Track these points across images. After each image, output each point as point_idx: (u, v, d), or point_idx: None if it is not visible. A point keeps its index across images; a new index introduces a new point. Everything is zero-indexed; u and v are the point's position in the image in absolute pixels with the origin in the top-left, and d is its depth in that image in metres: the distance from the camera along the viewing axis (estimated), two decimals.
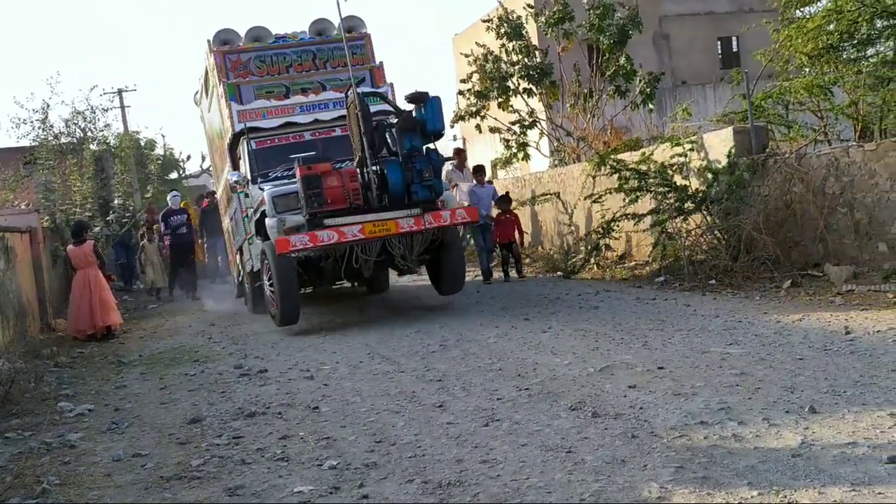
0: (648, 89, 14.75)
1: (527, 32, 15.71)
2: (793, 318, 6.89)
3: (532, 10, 15.90)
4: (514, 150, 15.89)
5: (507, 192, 12.85)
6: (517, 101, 15.81)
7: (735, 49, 29.13)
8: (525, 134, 15.79)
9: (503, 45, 15.59)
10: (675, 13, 28.79)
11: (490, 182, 13.96)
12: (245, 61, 11.13)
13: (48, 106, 23.40)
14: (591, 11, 14.87)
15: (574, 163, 14.23)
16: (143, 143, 29.64)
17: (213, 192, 16.51)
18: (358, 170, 8.96)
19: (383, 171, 8.94)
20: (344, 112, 9.59)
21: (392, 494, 3.89)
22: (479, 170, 12.63)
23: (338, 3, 9.73)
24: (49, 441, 5.46)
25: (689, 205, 9.69)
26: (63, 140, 23.73)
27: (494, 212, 12.21)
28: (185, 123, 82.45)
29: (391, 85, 10.99)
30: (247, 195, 10.39)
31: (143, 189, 27.12)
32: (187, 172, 32.79)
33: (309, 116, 10.65)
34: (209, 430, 5.37)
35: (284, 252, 8.64)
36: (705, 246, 9.71)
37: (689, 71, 28.58)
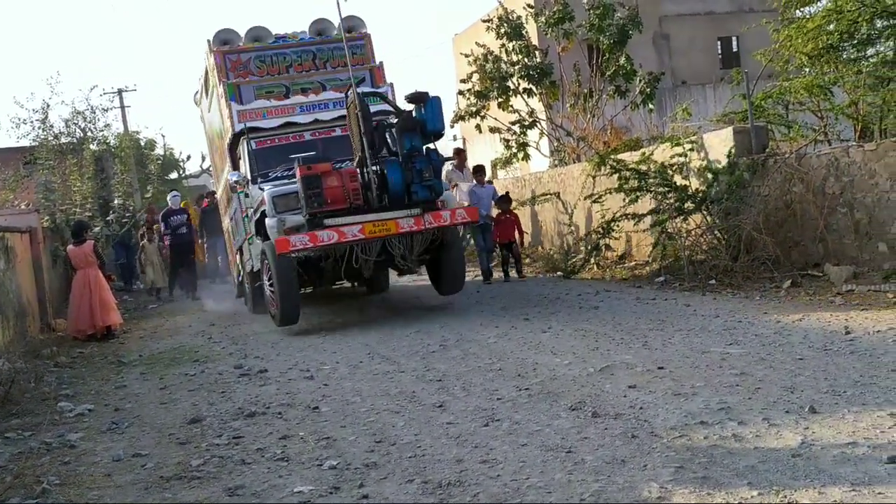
0: (648, 89, 14.75)
1: (527, 32, 15.71)
2: (793, 318, 6.89)
3: (532, 10, 15.90)
4: (514, 150, 15.89)
5: (508, 193, 12.85)
6: (517, 101, 15.82)
7: (735, 49, 29.14)
8: (525, 134, 15.79)
9: (503, 45, 15.59)
10: (675, 13, 28.79)
11: (490, 182, 13.96)
12: (245, 61, 11.13)
13: (48, 106, 23.44)
14: (591, 11, 14.87)
15: (574, 163, 14.23)
16: (143, 143, 29.64)
17: (213, 192, 16.51)
18: (358, 170, 8.95)
19: (383, 171, 8.94)
20: (344, 112, 9.59)
21: (392, 494, 3.89)
22: (479, 170, 12.63)
23: (338, 3, 9.75)
24: (49, 441, 5.46)
25: (689, 205, 9.69)
26: (63, 140, 23.74)
27: (494, 212, 12.21)
28: (185, 123, 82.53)
29: (391, 85, 10.98)
30: (247, 195, 10.39)
31: (142, 189, 27.12)
32: (187, 172, 32.81)
33: (309, 116, 10.65)
34: (209, 430, 5.37)
35: (284, 252, 8.64)
36: (705, 246, 9.71)
37: (689, 71, 28.59)
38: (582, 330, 7.34)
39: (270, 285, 9.14)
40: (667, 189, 9.95)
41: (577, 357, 6.28)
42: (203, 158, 28.82)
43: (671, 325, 7.11)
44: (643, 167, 10.27)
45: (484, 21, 16.25)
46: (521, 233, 12.32)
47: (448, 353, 7.03)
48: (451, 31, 62.11)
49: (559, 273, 11.89)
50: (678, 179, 10.07)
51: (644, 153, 10.66)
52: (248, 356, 8.07)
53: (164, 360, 8.50)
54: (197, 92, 14.08)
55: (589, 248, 11.21)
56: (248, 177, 10.27)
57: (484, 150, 23.34)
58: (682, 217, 9.75)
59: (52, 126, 23.60)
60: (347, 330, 9.00)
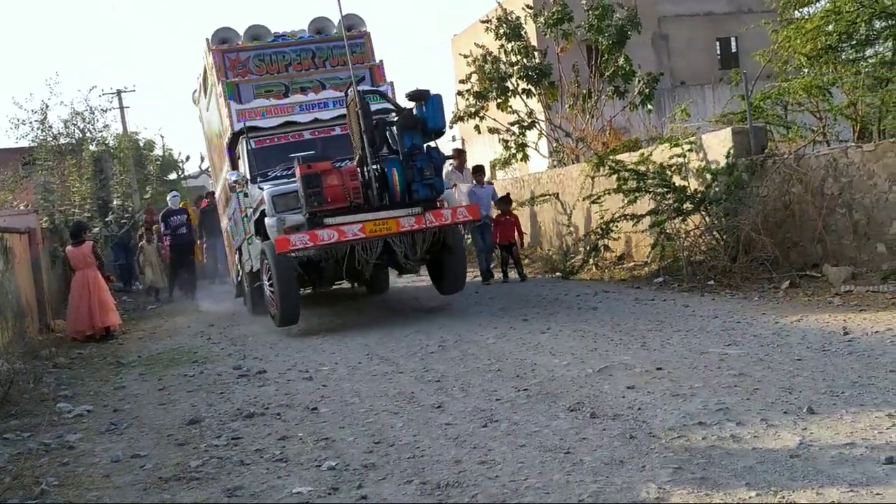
0: (647, 90, 14.77)
1: (526, 33, 15.72)
2: (791, 318, 6.89)
3: (531, 11, 15.91)
4: (513, 150, 15.91)
5: (508, 194, 12.85)
6: (516, 102, 15.83)
7: (734, 50, 29.16)
8: (524, 134, 15.81)
9: (502, 46, 15.60)
10: (673, 14, 28.81)
11: (490, 182, 13.96)
12: (244, 60, 11.10)
13: (47, 107, 23.35)
14: (590, 12, 14.90)
15: (573, 163, 14.24)
16: (142, 144, 29.61)
17: (212, 193, 16.50)
18: (358, 168, 8.94)
19: (384, 170, 8.92)
20: (344, 111, 9.56)
21: (390, 495, 3.89)
22: (478, 170, 12.63)
23: (338, 2, 9.74)
24: (48, 442, 5.46)
25: (687, 205, 9.70)
26: (62, 141, 23.69)
27: (494, 212, 12.21)
28: (184, 124, 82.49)
29: (391, 84, 10.96)
30: (246, 195, 10.37)
31: (142, 190, 27.10)
32: (186, 173, 32.79)
33: (308, 115, 10.61)
34: (208, 431, 5.37)
35: (284, 251, 8.62)
36: (704, 246, 9.72)
37: (687, 71, 28.61)
38: (580, 331, 7.35)
39: (270, 285, 9.11)
40: (665, 190, 9.95)
41: (575, 358, 6.28)
42: (202, 159, 28.82)
43: (670, 326, 7.12)
44: (642, 168, 10.28)
45: (483, 22, 16.27)
46: (521, 234, 12.31)
47: (447, 353, 7.03)
48: (451, 31, 62.23)
49: (558, 274, 11.89)
50: (677, 180, 10.08)
51: (643, 154, 10.67)
52: (246, 357, 8.07)
53: (163, 360, 8.49)
54: (195, 91, 14.06)
55: (588, 248, 11.21)
56: (248, 176, 10.25)
57: (483, 151, 23.34)
58: (680, 218, 9.76)
59: (51, 127, 23.55)
60: (346, 331, 9.00)
